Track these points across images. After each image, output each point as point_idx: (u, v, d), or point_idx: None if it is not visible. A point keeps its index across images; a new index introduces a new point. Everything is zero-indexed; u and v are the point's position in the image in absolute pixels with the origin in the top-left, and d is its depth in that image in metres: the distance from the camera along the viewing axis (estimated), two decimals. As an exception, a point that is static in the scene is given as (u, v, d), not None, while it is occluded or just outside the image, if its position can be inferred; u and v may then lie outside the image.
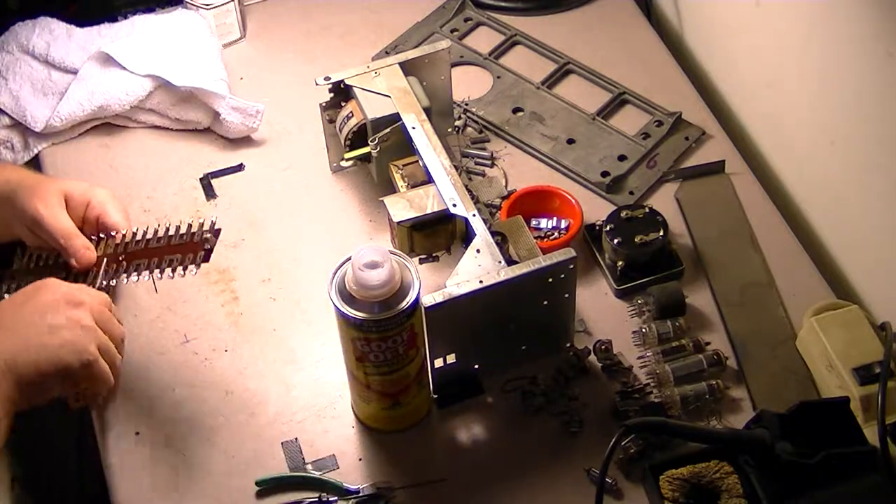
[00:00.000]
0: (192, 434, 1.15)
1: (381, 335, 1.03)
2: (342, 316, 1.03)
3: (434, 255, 1.19)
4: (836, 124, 1.24)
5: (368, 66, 1.28)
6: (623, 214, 1.25)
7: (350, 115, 1.28)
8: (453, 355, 1.13)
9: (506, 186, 1.35)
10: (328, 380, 1.19)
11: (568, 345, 1.19)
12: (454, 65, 1.50)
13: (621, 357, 1.19)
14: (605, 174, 1.36)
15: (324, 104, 1.31)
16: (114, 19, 1.51)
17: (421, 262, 1.20)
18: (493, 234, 1.14)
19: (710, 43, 1.51)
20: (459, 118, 1.42)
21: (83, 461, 1.51)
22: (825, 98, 1.25)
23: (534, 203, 1.30)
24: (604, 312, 1.24)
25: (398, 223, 1.15)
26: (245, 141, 1.43)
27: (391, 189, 1.23)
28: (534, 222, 1.30)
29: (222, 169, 1.39)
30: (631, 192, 1.35)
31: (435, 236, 1.17)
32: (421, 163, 1.20)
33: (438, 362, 1.12)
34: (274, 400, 1.18)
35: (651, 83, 1.46)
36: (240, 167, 1.40)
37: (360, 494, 1.10)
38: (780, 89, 1.35)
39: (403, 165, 1.23)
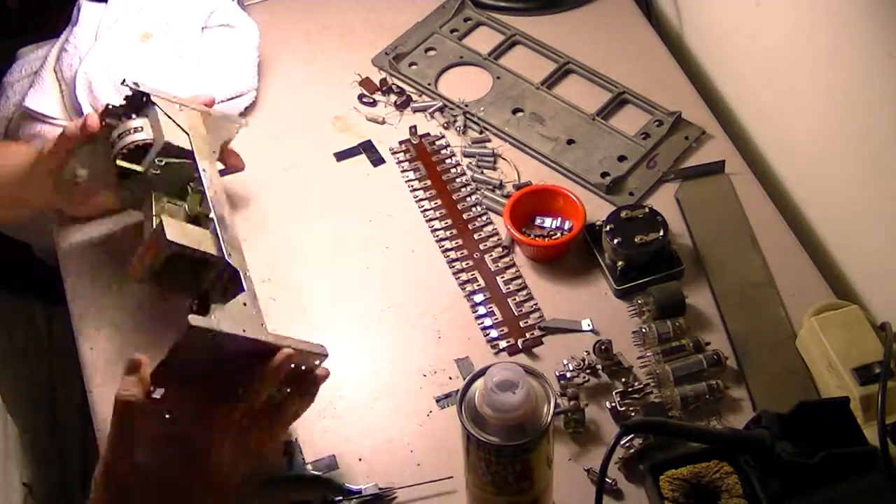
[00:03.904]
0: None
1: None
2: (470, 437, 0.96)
3: (190, 296, 1.14)
4: (836, 124, 1.24)
5: (175, 98, 1.22)
6: (623, 214, 1.25)
7: (140, 128, 1.19)
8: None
9: (518, 178, 1.36)
10: (328, 380, 1.19)
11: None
12: (454, 65, 1.51)
13: (621, 357, 1.19)
14: (604, 175, 1.36)
15: (111, 107, 1.21)
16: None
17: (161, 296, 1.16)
18: None
19: (710, 43, 1.51)
20: (458, 119, 1.43)
21: (88, 467, 1.51)
22: (825, 98, 1.25)
23: (537, 202, 1.30)
24: (604, 312, 1.24)
25: (169, 242, 1.08)
26: (245, 141, 1.43)
27: (127, 217, 1.18)
28: (537, 221, 1.30)
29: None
30: (631, 193, 1.35)
31: (181, 276, 1.12)
32: (208, 204, 1.15)
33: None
34: (274, 400, 1.18)
35: (651, 83, 1.46)
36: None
37: (363, 495, 1.10)
38: (780, 89, 1.35)
39: (168, 202, 1.17)
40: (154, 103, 1.20)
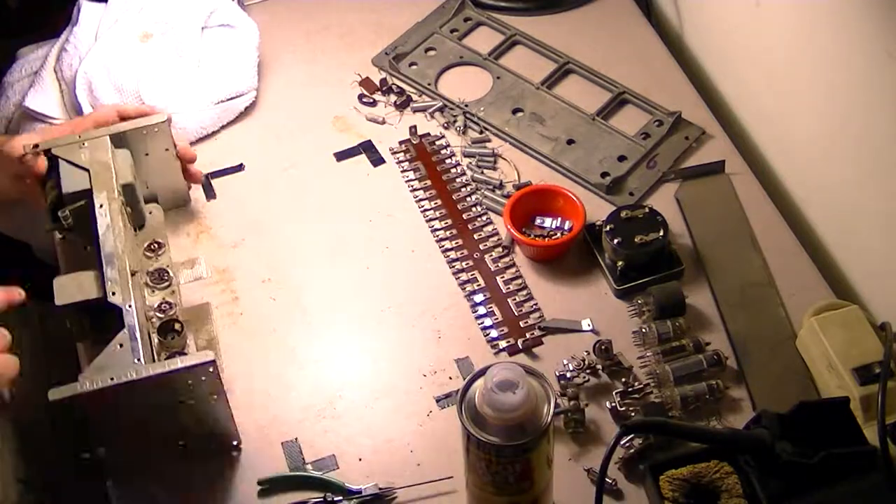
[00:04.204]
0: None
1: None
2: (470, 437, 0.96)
3: (107, 338, 1.11)
4: (836, 124, 1.24)
5: (80, 136, 1.21)
6: (623, 214, 1.25)
7: (52, 185, 1.20)
8: (103, 448, 1.08)
9: (518, 178, 1.36)
10: (328, 380, 1.20)
11: (234, 443, 1.14)
12: (454, 65, 1.51)
13: (621, 357, 1.19)
14: (604, 175, 1.36)
15: (42, 172, 1.22)
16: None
17: (93, 344, 1.14)
18: (173, 321, 1.11)
19: (710, 43, 1.51)
20: (458, 119, 1.43)
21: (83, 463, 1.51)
22: (825, 98, 1.25)
23: (537, 202, 1.30)
24: (604, 312, 1.24)
25: (58, 306, 1.10)
26: (245, 141, 1.43)
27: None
28: (538, 221, 1.30)
29: (222, 169, 1.40)
30: (631, 193, 1.35)
31: (109, 321, 1.11)
32: (94, 244, 1.14)
33: (85, 454, 1.08)
34: (274, 400, 1.18)
35: (651, 83, 1.46)
36: (240, 167, 1.40)
37: (363, 494, 1.10)
38: (780, 89, 1.35)
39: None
40: (56, 156, 1.20)
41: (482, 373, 0.95)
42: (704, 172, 1.36)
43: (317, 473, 1.12)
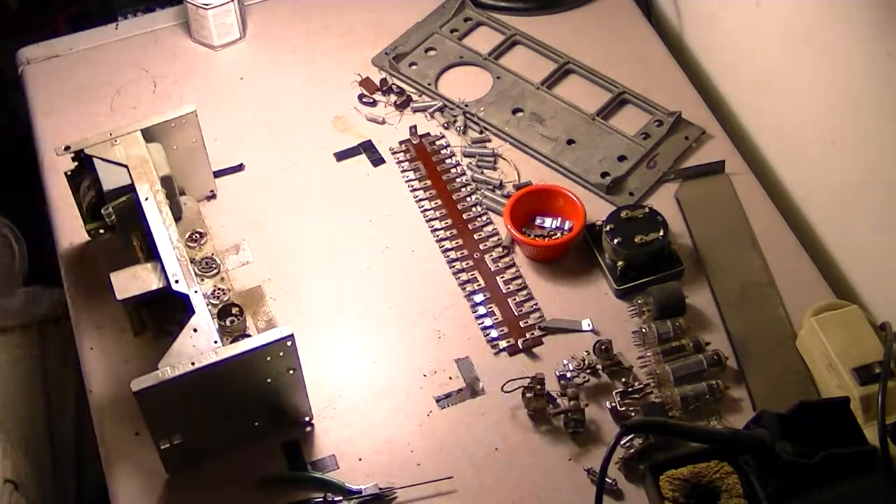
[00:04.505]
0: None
1: None
2: None
3: (168, 329, 1.17)
4: (837, 124, 1.24)
5: (111, 134, 1.21)
6: (623, 214, 1.25)
7: (89, 185, 1.22)
8: (179, 435, 1.09)
9: (518, 178, 1.36)
10: (328, 380, 1.20)
11: (306, 419, 1.16)
12: (454, 65, 1.51)
13: (621, 357, 1.19)
14: (604, 175, 1.36)
15: (69, 172, 1.24)
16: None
17: (155, 336, 1.18)
18: (232, 305, 1.13)
19: (710, 43, 1.51)
20: (458, 119, 1.43)
21: (81, 462, 1.51)
22: (825, 98, 1.25)
23: (537, 202, 1.30)
24: (604, 312, 1.24)
25: (120, 301, 1.12)
26: (245, 141, 1.43)
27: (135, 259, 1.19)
28: (538, 221, 1.30)
29: (222, 169, 1.39)
30: (631, 193, 1.35)
31: (167, 311, 1.15)
32: (148, 236, 1.16)
33: (164, 443, 1.08)
34: (274, 400, 1.18)
35: (651, 83, 1.46)
36: (240, 167, 1.40)
37: (363, 494, 1.10)
38: (780, 89, 1.35)
39: (143, 236, 1.18)
40: (90, 156, 1.20)
41: None
42: (704, 172, 1.36)
43: (317, 473, 1.12)
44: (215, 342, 1.06)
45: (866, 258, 1.25)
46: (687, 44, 1.55)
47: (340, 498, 1.10)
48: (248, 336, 1.09)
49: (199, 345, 1.06)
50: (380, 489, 1.10)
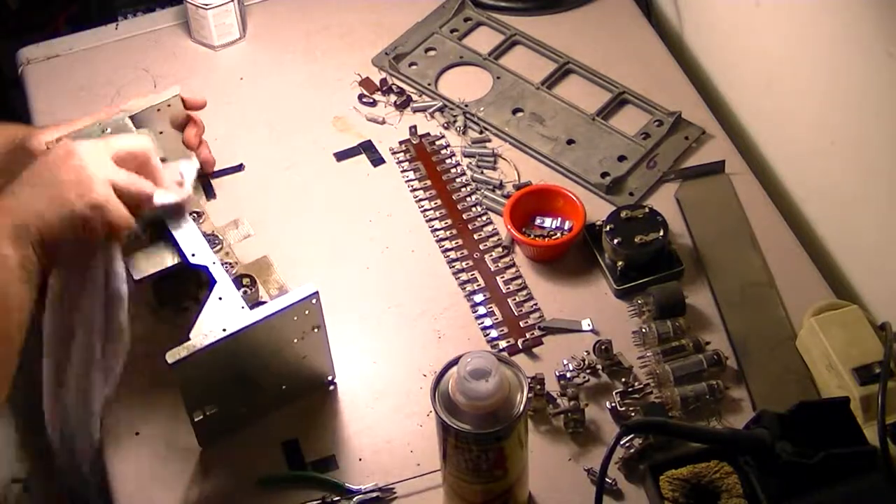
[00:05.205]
0: (193, 434, 1.14)
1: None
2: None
3: (184, 305, 1.20)
4: (836, 124, 1.24)
5: (99, 123, 1.20)
6: (623, 214, 1.25)
7: None
8: (213, 405, 1.10)
9: (518, 178, 1.36)
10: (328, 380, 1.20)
11: (329, 378, 1.18)
12: (454, 65, 1.51)
13: (621, 357, 1.19)
14: (604, 175, 1.36)
15: None
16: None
17: (175, 311, 1.20)
18: (242, 276, 1.14)
19: (710, 43, 1.51)
20: (458, 119, 1.43)
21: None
22: (825, 98, 1.25)
23: (537, 202, 1.30)
24: (604, 312, 1.24)
25: (137, 281, 1.12)
26: (245, 141, 1.43)
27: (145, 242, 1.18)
28: (537, 221, 1.30)
29: (222, 169, 1.39)
30: (631, 193, 1.35)
31: (181, 286, 1.17)
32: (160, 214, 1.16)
33: (198, 415, 1.10)
34: (274, 400, 1.18)
35: (651, 83, 1.46)
36: (240, 167, 1.40)
37: (363, 494, 1.10)
38: (780, 89, 1.35)
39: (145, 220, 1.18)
40: None
41: (455, 361, 0.96)
42: (704, 172, 1.36)
43: (316, 473, 1.12)
44: (242, 307, 1.08)
45: (866, 258, 1.25)
46: (687, 44, 1.55)
47: (340, 498, 1.10)
48: (264, 303, 1.11)
49: (227, 311, 1.07)
50: (380, 489, 1.10)
